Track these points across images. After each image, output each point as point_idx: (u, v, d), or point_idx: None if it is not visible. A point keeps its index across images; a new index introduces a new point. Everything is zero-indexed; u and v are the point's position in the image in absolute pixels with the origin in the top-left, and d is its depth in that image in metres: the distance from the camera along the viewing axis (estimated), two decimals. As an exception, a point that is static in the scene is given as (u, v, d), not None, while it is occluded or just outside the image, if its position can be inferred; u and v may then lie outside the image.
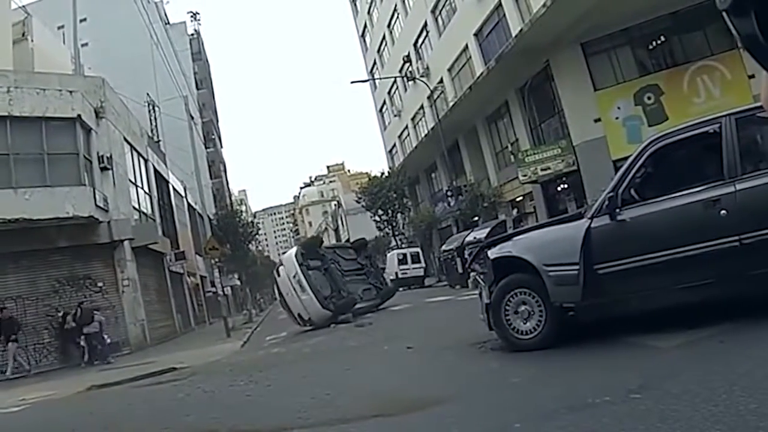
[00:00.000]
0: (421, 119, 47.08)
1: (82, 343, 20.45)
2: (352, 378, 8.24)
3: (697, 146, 6.78)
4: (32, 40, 34.46)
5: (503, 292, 7.29)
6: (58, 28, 46.76)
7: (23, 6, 34.82)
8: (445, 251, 29.39)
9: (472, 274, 9.94)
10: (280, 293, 20.67)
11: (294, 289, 19.45)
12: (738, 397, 3.84)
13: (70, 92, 22.12)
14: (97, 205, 21.86)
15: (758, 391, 3.94)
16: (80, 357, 20.60)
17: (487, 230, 24.32)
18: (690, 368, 5.01)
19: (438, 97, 40.24)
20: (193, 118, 40.74)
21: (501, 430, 4.25)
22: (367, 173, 71.91)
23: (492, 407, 5.13)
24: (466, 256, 21.17)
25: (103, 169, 23.44)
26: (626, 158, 7.20)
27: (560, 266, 6.65)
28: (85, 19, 45.75)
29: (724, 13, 1.48)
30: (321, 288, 19.87)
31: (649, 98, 23.96)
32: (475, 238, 23.94)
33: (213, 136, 74.10)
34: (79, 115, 21.83)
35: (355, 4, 61.40)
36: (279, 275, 20.39)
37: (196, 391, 9.52)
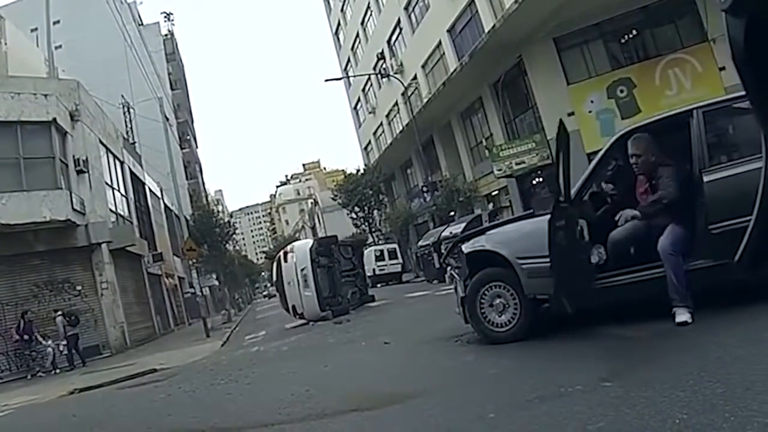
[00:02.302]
0: (395, 116, 47.17)
1: (50, 349, 20.28)
2: (330, 374, 8.31)
3: (667, 138, 6.88)
4: (5, 43, 34.11)
5: (478, 286, 7.37)
6: (32, 30, 46.30)
7: (-5, 9, 34.55)
8: (421, 247, 29.53)
9: (448, 268, 10.01)
10: (279, 279, 20.54)
11: (297, 282, 19.48)
12: (706, 383, 3.94)
13: (45, 96, 21.99)
14: (74, 209, 21.74)
15: (725, 376, 4.04)
16: (27, 367, 20.27)
17: (463, 225, 24.44)
18: (660, 356, 5.12)
19: (412, 93, 40.37)
20: (168, 119, 40.38)
21: (477, 420, 4.31)
22: (343, 171, 71.78)
23: (468, 399, 5.20)
24: (443, 251, 21.26)
25: (79, 172, 23.36)
26: (599, 151, 7.31)
27: (533, 259, 6.72)
28: (58, 21, 45.44)
29: (723, 13, 1.56)
30: (323, 288, 19.92)
31: (621, 91, 24.21)
32: (451, 233, 24.07)
33: (188, 137, 73.77)
34: (54, 119, 21.74)
35: (329, 2, 61.39)
36: (286, 261, 20.24)
37: (177, 391, 9.57)
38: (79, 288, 22.83)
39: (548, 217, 6.56)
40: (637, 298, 6.67)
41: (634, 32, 24.98)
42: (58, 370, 19.68)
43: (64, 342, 20.32)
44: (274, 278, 22.03)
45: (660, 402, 3.75)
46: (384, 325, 13.66)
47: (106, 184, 27.08)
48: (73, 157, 23.18)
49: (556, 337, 6.89)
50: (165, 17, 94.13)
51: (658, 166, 6.59)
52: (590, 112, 24.51)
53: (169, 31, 76.20)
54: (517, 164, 27.00)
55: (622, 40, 25.22)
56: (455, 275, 8.07)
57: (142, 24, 69.44)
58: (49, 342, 20.27)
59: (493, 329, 7.25)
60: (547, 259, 6.42)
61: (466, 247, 7.61)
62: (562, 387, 4.61)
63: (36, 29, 45.70)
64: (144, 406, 9.06)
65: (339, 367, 8.89)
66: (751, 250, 4.93)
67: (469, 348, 7.58)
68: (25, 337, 20.07)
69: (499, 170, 27.98)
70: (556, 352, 6.28)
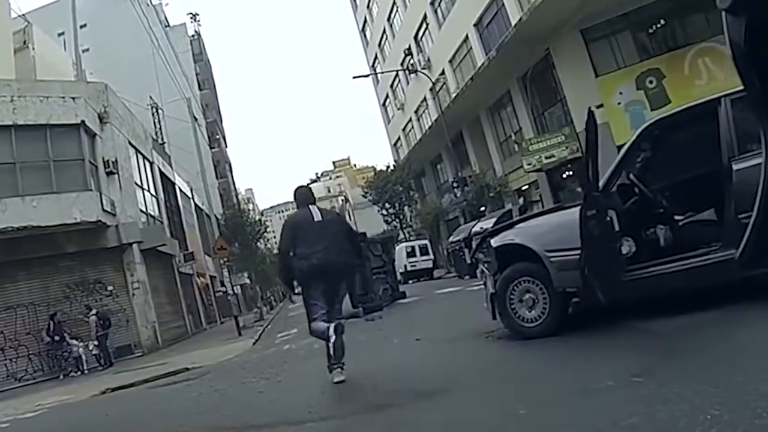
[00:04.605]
0: (424, 111, 47.14)
1: (79, 350, 20.63)
2: (362, 372, 8.28)
3: (695, 127, 6.78)
4: (33, 48, 34.57)
5: (507, 281, 7.31)
6: (59, 35, 46.86)
7: (23, 14, 34.95)
8: (452, 242, 29.40)
9: (479, 264, 9.95)
10: None
11: None
12: (738, 378, 3.89)
13: (74, 98, 22.27)
14: (104, 210, 21.99)
15: (759, 370, 3.99)
16: (59, 368, 20.65)
17: (494, 220, 24.27)
18: (692, 351, 5.06)
19: (440, 89, 40.28)
20: (196, 119, 40.76)
21: (507, 417, 4.29)
22: (373, 167, 71.78)
23: (499, 395, 5.20)
24: (474, 246, 21.14)
25: (109, 173, 23.64)
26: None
27: (562, 252, 6.66)
28: (85, 25, 45.82)
29: (723, 13, 1.54)
30: (356, 285, 19.74)
31: (650, 82, 23.89)
32: (481, 228, 23.89)
33: (217, 136, 74.20)
34: (83, 121, 22.03)
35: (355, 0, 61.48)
36: None
37: (209, 389, 9.62)
38: (110, 288, 23.10)
39: (577, 208, 6.51)
40: (667, 290, 6.59)
41: (663, 22, 24.60)
42: (87, 371, 20.02)
43: (95, 342, 20.63)
44: None
45: (692, 398, 3.70)
46: (415, 321, 13.67)
47: (136, 184, 27.36)
48: (103, 158, 23.45)
49: (586, 331, 6.84)
50: (191, 18, 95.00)
51: None
52: (619, 104, 24.23)
53: (196, 31, 76.63)
54: (546, 158, 26.84)
55: (651, 30, 24.81)
56: (485, 270, 8.01)
57: (169, 25, 69.98)
58: (78, 343, 20.62)
59: (523, 324, 7.19)
60: (577, 252, 6.37)
61: (495, 242, 7.54)
62: (592, 383, 4.57)
63: (63, 33, 46.25)
64: (176, 404, 9.13)
65: (370, 364, 8.87)
66: (751, 246, 4.86)
67: (500, 344, 7.56)
68: (56, 338, 20.43)
69: (529, 164, 27.83)
70: (587, 347, 6.23)
